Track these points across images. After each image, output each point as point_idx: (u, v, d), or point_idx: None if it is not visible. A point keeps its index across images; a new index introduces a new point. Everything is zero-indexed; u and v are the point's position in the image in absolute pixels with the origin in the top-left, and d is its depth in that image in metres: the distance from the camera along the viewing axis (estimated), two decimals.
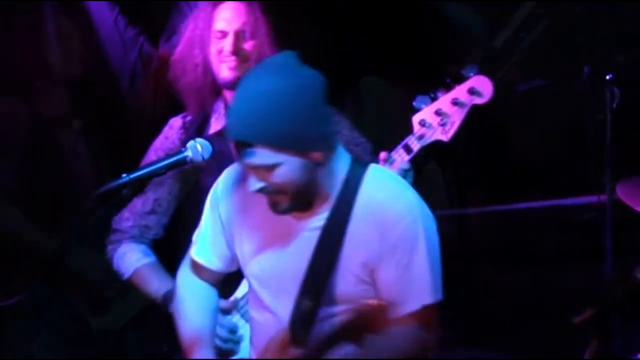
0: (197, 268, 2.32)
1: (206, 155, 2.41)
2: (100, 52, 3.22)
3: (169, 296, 2.69)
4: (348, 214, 2.06)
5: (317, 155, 1.99)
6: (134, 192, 2.45)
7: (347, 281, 2.07)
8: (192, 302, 2.33)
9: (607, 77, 2.53)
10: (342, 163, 2.09)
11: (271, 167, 1.96)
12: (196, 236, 2.31)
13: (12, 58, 3.06)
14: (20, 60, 3.07)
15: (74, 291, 3.00)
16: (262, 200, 2.08)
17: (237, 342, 2.70)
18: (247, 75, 2.11)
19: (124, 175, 2.41)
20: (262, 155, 1.95)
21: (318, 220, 2.09)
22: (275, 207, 2.05)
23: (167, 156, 2.47)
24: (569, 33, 3.35)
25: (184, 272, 2.35)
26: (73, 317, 2.97)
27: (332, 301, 2.08)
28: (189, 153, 2.42)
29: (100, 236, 2.82)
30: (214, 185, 2.29)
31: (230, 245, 2.24)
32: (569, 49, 3.45)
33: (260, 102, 1.95)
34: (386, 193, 2.08)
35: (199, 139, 2.44)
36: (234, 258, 2.25)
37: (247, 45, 2.67)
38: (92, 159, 3.30)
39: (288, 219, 2.10)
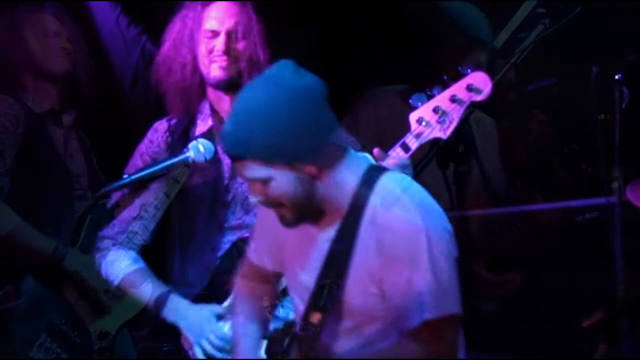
0: (250, 267, 2.36)
1: (208, 156, 2.41)
2: (102, 51, 3.21)
3: (161, 301, 2.70)
4: (356, 225, 2.04)
5: (310, 168, 1.97)
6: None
7: (355, 293, 2.05)
8: (240, 304, 2.38)
9: (617, 77, 2.51)
10: (352, 172, 2.06)
11: (264, 181, 1.97)
12: (250, 236, 2.36)
13: (12, 57, 3.07)
14: (20, 60, 3.07)
15: (72, 293, 2.97)
16: None
17: (229, 351, 2.70)
18: (243, 88, 2.10)
19: (125, 176, 2.41)
20: (252, 169, 1.96)
21: (331, 231, 2.08)
22: (282, 220, 2.06)
23: (169, 157, 2.46)
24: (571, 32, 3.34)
25: (240, 272, 2.39)
26: (72, 319, 2.95)
27: (341, 312, 2.07)
28: (191, 154, 2.42)
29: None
30: None
31: (274, 249, 2.26)
32: (572, 48, 3.45)
33: (247, 115, 1.95)
34: (390, 204, 2.03)
35: (200, 140, 2.44)
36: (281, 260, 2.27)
37: (239, 45, 2.66)
38: (94, 158, 3.29)
39: (311, 229, 2.10)
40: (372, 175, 2.07)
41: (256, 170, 1.96)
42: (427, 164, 3.14)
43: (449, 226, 2.06)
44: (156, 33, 2.95)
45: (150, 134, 2.77)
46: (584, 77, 2.63)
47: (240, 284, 2.41)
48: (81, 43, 3.19)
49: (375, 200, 2.03)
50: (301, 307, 2.14)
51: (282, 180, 1.96)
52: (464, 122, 2.78)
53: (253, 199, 2.04)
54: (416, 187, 2.14)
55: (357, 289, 2.04)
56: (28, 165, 2.94)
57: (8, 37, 3.05)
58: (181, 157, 2.43)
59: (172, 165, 2.43)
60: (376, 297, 2.03)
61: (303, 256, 2.12)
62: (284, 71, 1.98)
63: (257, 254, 2.32)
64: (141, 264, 2.75)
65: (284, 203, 2.00)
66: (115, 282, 2.76)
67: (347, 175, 2.04)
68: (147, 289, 2.75)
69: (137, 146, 2.78)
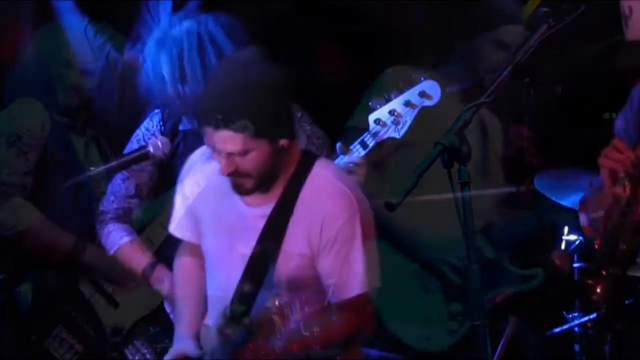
0: (181, 245, 2.53)
1: (166, 151, 2.62)
2: None
3: (149, 270, 2.94)
4: (293, 205, 2.21)
5: (284, 142, 2.17)
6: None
7: (288, 267, 2.20)
8: (177, 278, 2.54)
9: None
10: (295, 153, 2.26)
11: (244, 153, 2.12)
12: (173, 214, 2.51)
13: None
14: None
15: (88, 287, 3.11)
16: (221, 183, 2.24)
17: None
18: (216, 70, 2.33)
19: (91, 168, 2.67)
20: (236, 143, 2.11)
21: (266, 208, 2.23)
22: (239, 189, 2.21)
23: (131, 152, 2.70)
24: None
25: (178, 251, 2.56)
26: (88, 313, 3.07)
27: (273, 285, 2.19)
28: (150, 148, 2.64)
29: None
30: (185, 165, 2.48)
31: (196, 219, 2.41)
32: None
33: (236, 94, 2.12)
34: (328, 188, 2.24)
35: (160, 136, 2.67)
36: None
37: None
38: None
39: (240, 204, 2.26)
40: (309, 157, 2.29)
41: (240, 144, 2.11)
42: (431, 163, 3.19)
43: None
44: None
45: (146, 122, 3.00)
46: None
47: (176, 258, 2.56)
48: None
49: (314, 183, 2.23)
50: (225, 279, 2.29)
51: (262, 153, 2.14)
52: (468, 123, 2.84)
53: (225, 171, 2.17)
54: (343, 172, 2.39)
55: (290, 264, 2.21)
56: (51, 167, 3.11)
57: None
58: (142, 152, 2.66)
59: (134, 159, 2.65)
60: (309, 271, 2.22)
61: (232, 229, 2.27)
62: (256, 56, 2.20)
63: (181, 228, 2.48)
64: (134, 236, 2.99)
65: (253, 174, 2.17)
66: (111, 252, 2.98)
67: (293, 153, 2.25)
68: (137, 259, 2.98)
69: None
